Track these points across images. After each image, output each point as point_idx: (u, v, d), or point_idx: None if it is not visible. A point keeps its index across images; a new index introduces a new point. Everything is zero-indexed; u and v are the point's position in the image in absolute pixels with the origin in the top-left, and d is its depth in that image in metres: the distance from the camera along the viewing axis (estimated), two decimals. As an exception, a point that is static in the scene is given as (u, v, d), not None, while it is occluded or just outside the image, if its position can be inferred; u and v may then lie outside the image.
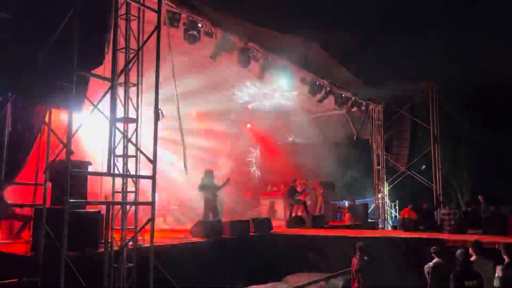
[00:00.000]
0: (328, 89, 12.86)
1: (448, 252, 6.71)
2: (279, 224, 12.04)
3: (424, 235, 10.02)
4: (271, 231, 10.14)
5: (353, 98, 14.20)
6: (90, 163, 6.99)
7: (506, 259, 5.86)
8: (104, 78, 5.81)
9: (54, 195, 6.08)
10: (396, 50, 21.07)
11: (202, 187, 10.06)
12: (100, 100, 5.72)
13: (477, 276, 5.70)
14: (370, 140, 15.73)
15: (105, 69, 5.98)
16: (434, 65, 20.62)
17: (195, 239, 8.36)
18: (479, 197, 12.42)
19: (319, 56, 12.27)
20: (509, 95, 21.02)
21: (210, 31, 8.99)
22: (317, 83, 12.47)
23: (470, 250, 6.24)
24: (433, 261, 6.60)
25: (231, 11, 9.11)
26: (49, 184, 5.95)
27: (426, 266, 6.69)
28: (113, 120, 5.76)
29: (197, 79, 10.88)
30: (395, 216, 16.59)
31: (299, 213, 13.10)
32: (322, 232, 10.82)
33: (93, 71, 5.79)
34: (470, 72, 21.29)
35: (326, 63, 12.66)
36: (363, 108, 15.02)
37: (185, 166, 6.47)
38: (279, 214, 14.77)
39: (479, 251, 6.25)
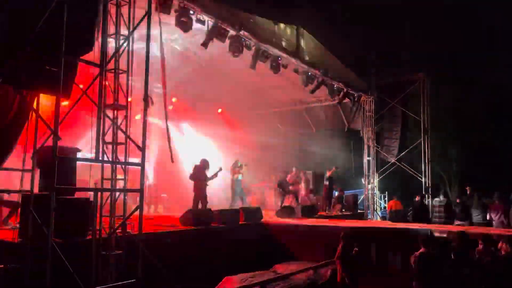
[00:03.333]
0: (320, 79, 12.83)
1: (435, 242, 6.80)
2: (269, 214, 12.07)
3: (411, 225, 10.15)
4: (261, 220, 10.18)
5: (345, 89, 14.19)
6: (79, 150, 6.93)
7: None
8: (94, 64, 5.73)
9: (42, 181, 6.02)
10: (389, 42, 21.13)
11: (194, 176, 10.02)
12: (89, 86, 5.65)
13: (471, 264, 5.80)
14: (361, 132, 15.77)
15: (94, 55, 5.90)
16: (427, 57, 20.70)
17: (184, 228, 8.36)
18: (467, 188, 12.55)
19: (311, 46, 12.23)
20: (499, 88, 21.23)
21: (202, 18, 8.90)
22: (309, 74, 12.43)
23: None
24: (420, 250, 6.68)
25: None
26: (37, 171, 5.89)
27: (412, 255, 6.77)
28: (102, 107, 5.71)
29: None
30: (384, 207, 16.73)
31: (290, 203, 13.15)
32: (311, 222, 10.89)
33: (82, 57, 5.70)
34: (462, 64, 21.47)
35: (318, 53, 12.62)
36: (355, 99, 15.04)
37: (171, 156, 6.58)
38: (270, 203, 14.81)
39: (464, 242, 6.34)
